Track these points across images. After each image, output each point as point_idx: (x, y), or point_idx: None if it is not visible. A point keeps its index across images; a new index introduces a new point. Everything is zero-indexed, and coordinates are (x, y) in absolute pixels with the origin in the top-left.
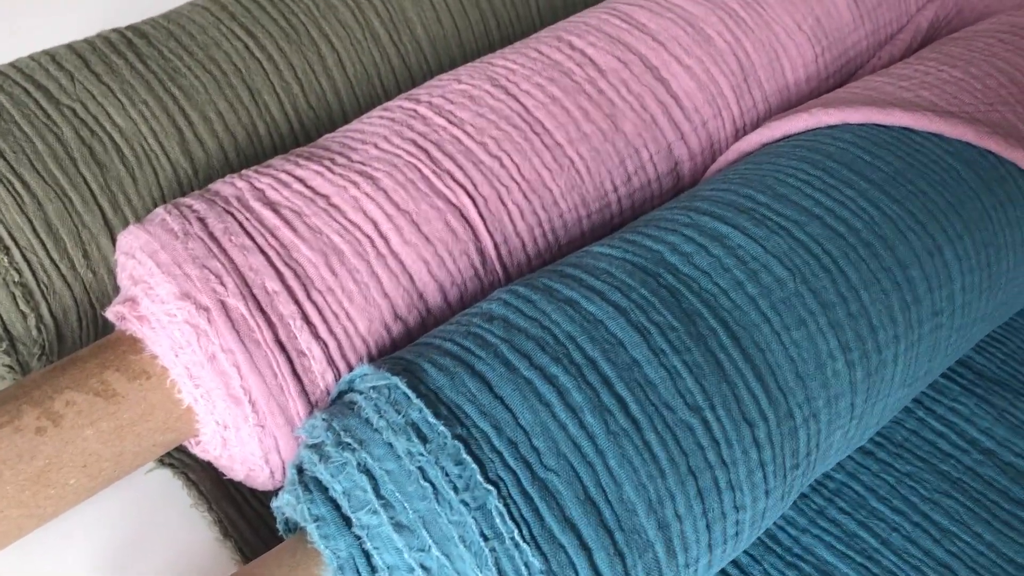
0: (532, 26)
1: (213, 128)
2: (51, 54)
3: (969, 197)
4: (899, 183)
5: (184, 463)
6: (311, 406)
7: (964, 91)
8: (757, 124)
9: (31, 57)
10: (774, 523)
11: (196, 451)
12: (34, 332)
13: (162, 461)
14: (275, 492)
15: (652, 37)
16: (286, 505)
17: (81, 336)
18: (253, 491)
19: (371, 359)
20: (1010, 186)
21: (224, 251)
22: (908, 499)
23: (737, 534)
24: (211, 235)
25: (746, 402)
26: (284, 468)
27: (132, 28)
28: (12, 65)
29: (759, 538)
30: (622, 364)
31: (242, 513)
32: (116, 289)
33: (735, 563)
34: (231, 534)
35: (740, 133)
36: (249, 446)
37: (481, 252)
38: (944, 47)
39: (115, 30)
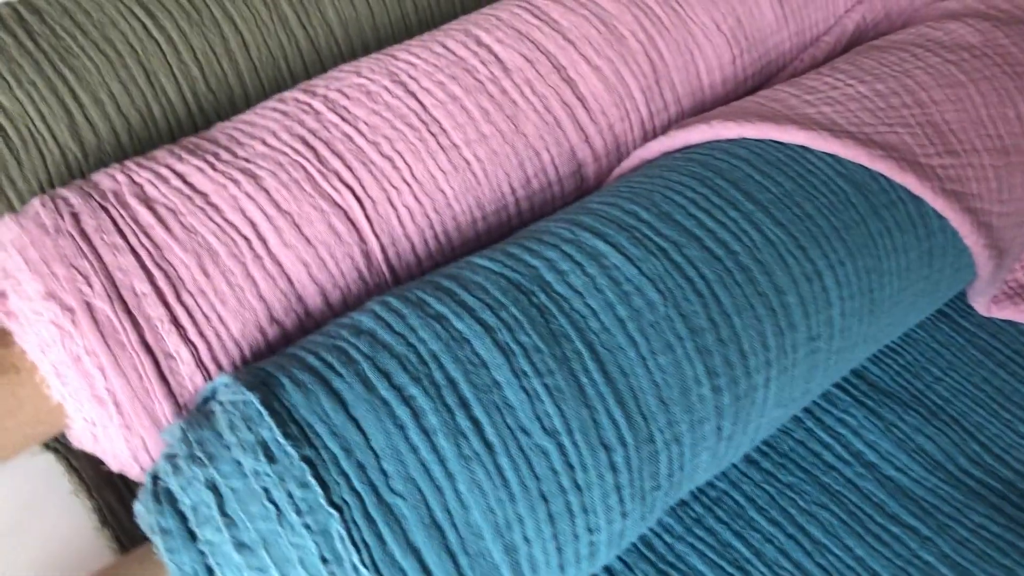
0: (452, 9)
1: (105, 111)
2: None
3: (856, 222)
4: (785, 205)
5: (68, 448)
6: (179, 408)
7: (866, 109)
8: (668, 126)
9: None
10: (650, 529)
11: (72, 441)
12: None
13: (47, 445)
14: None
15: (563, 35)
16: (140, 513)
17: None
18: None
19: (245, 362)
20: (899, 212)
21: (94, 250)
22: (786, 510)
23: (592, 554)
24: (82, 232)
25: (604, 426)
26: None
27: (25, 2)
28: None
29: (634, 544)
30: (482, 386)
31: (122, 501)
32: None
33: (608, 569)
34: (109, 522)
35: (649, 135)
36: (117, 444)
37: (367, 255)
38: (859, 58)
39: (7, 3)
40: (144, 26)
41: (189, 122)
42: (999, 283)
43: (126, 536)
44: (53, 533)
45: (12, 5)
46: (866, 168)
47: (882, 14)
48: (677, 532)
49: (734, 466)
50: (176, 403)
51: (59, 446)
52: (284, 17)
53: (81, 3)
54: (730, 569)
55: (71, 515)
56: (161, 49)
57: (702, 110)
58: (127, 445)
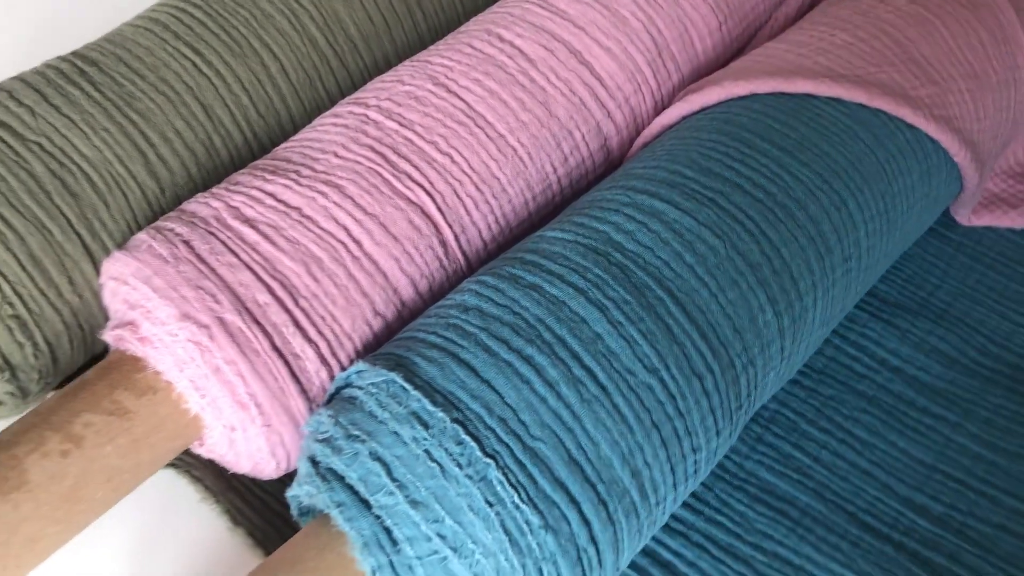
0: (456, 15)
1: (174, 147)
2: (7, 90)
3: (865, 153)
4: (806, 147)
5: (186, 462)
6: (310, 402)
7: (855, 55)
8: (672, 94)
9: None
10: None
11: (200, 452)
12: (31, 359)
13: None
14: (280, 480)
15: (573, 23)
16: (304, 495)
17: (73, 356)
18: (253, 479)
19: (358, 354)
20: (899, 140)
21: (214, 271)
22: (832, 419)
23: (696, 471)
24: (199, 256)
25: (694, 359)
26: (288, 459)
27: (79, 56)
28: None
29: None
30: (587, 339)
31: (247, 501)
32: (102, 309)
33: (692, 493)
34: (240, 522)
35: (658, 104)
36: (256, 443)
37: (443, 244)
38: (833, 10)
39: (63, 59)
40: (194, 63)
41: (246, 148)
42: (979, 194)
43: (259, 532)
44: (190, 541)
45: (69, 60)
46: (865, 106)
47: None
48: (743, 452)
49: (781, 387)
50: (307, 398)
51: (177, 460)
52: (314, 40)
53: (131, 50)
54: (796, 476)
55: (204, 521)
56: (212, 83)
57: (699, 75)
58: (267, 443)
